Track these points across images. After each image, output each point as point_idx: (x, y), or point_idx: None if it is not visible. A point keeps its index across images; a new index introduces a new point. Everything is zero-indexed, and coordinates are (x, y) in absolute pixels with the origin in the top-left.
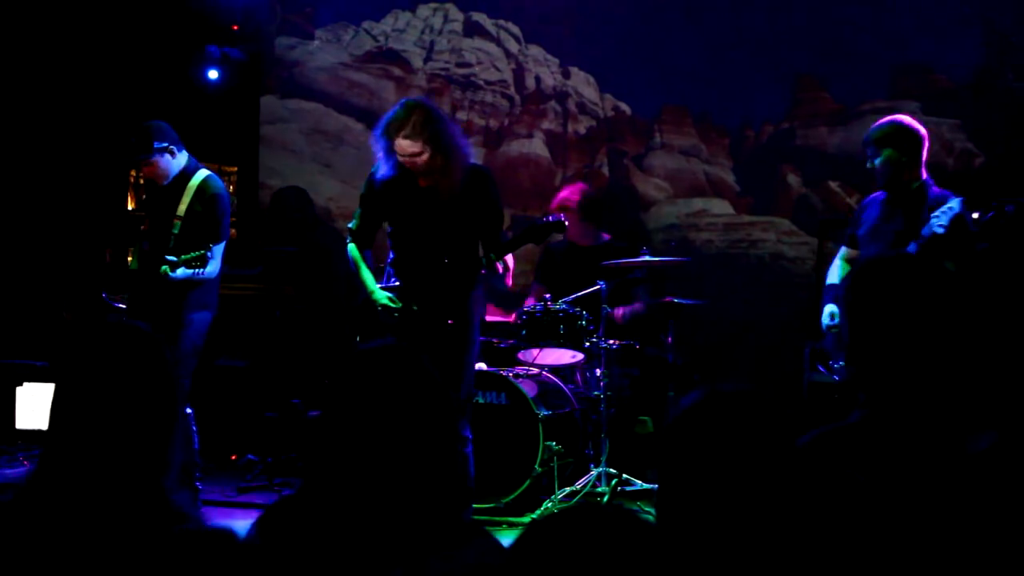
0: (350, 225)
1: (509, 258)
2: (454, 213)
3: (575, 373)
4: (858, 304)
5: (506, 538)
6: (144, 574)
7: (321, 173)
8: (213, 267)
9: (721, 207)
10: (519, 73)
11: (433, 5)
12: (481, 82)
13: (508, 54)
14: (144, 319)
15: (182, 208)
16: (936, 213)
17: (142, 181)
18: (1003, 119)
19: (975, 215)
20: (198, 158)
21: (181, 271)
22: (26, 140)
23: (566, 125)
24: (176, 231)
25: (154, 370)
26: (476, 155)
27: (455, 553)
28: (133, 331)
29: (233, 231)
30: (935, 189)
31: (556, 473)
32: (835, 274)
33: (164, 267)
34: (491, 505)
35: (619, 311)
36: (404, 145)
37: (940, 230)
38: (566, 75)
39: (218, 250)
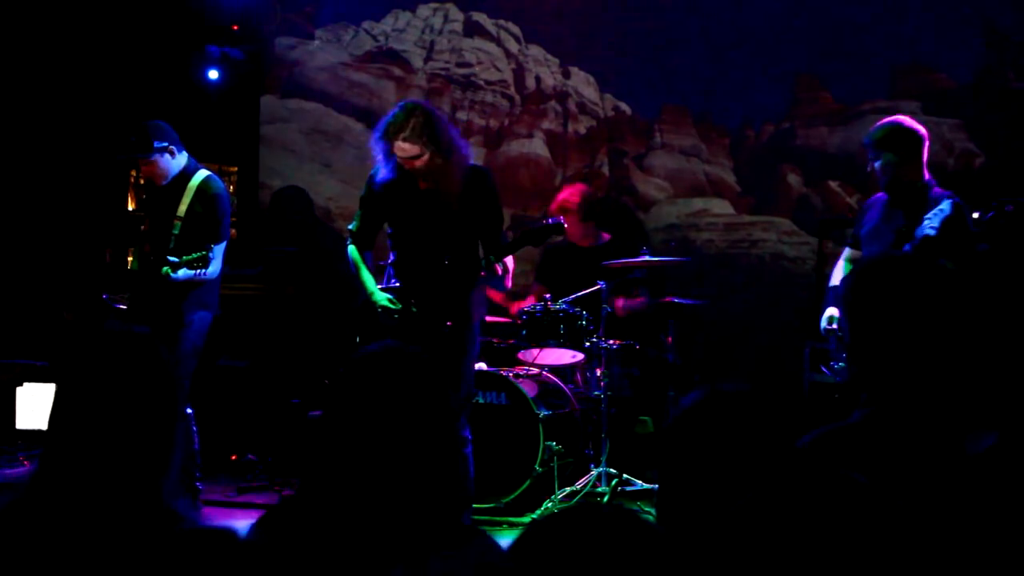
0: (350, 227)
1: (509, 260)
2: (454, 214)
3: (575, 373)
4: (858, 304)
5: (506, 538)
6: (144, 574)
7: (321, 173)
8: (214, 267)
9: (721, 207)
10: (519, 73)
11: (433, 5)
12: (481, 82)
13: (508, 54)
14: (144, 319)
15: (182, 209)
16: (929, 215)
17: (142, 181)
18: (1003, 119)
19: (975, 215)
20: (198, 158)
21: (183, 272)
22: (26, 140)
23: (566, 125)
24: (176, 232)
25: (154, 375)
26: (476, 155)
27: (455, 553)
28: (132, 337)
29: (233, 231)
30: (936, 190)
31: (556, 473)
32: (838, 275)
33: (165, 268)
34: (491, 505)
35: (620, 301)
36: (403, 147)
37: (932, 232)
38: (566, 75)
39: (219, 250)
